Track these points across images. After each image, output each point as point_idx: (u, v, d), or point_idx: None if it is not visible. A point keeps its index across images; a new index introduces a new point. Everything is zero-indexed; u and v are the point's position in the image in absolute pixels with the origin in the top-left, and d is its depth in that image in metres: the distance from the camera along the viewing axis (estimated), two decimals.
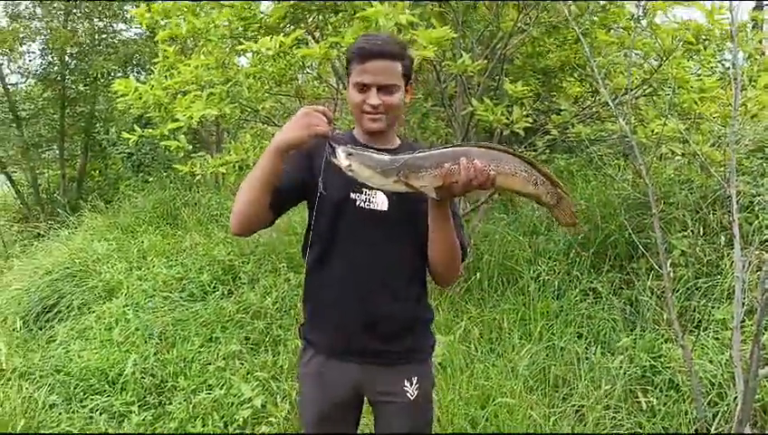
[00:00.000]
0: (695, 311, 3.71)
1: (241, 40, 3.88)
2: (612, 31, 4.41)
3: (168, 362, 3.88)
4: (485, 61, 3.93)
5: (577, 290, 4.11)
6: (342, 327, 1.82)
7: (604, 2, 4.08)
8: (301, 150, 1.70)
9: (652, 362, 3.28)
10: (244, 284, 4.97)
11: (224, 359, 3.88)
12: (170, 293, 4.86)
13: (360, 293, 1.79)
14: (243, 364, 3.82)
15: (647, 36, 4.10)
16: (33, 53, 9.64)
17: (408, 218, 1.74)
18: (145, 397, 3.62)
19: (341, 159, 1.53)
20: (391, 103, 1.72)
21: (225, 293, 4.89)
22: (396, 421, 1.88)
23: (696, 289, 3.83)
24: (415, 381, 1.85)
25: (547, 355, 3.51)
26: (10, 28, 9.12)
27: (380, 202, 1.76)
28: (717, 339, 3.38)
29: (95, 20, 9.26)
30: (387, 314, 1.81)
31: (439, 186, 1.52)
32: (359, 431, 2.05)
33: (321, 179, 1.66)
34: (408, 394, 1.85)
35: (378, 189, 1.64)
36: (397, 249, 1.79)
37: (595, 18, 4.11)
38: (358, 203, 1.77)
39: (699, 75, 3.87)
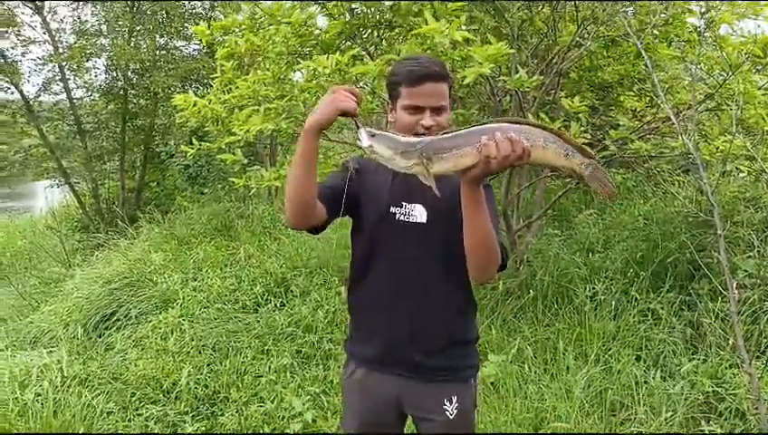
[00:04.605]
0: (761, 335, 3.54)
1: (298, 59, 3.93)
2: (673, 44, 4.29)
3: (220, 373, 3.93)
4: (542, 76, 3.87)
5: (635, 310, 3.98)
6: (384, 340, 1.85)
7: (666, 16, 3.97)
8: (347, 167, 1.78)
9: (715, 389, 3.14)
10: (296, 296, 5.00)
11: (275, 372, 3.91)
12: (224, 304, 4.94)
13: (402, 306, 1.81)
14: (294, 378, 3.84)
15: (710, 50, 3.97)
16: (98, 68, 10.01)
17: (448, 230, 1.71)
18: (198, 407, 3.67)
19: (364, 138, 1.53)
20: (442, 124, 1.72)
21: (278, 305, 4.93)
22: None
23: (763, 312, 3.66)
24: (455, 401, 1.85)
25: (604, 378, 3.40)
26: (77, 45, 9.49)
27: (419, 214, 1.79)
28: None
29: (157, 37, 9.55)
30: (427, 328, 1.82)
31: (473, 164, 1.46)
32: None
33: (353, 160, 1.75)
34: (447, 413, 1.84)
35: (401, 172, 1.57)
36: (437, 262, 1.79)
37: (656, 32, 4.00)
38: (397, 217, 1.80)
39: (767, 90, 3.72)
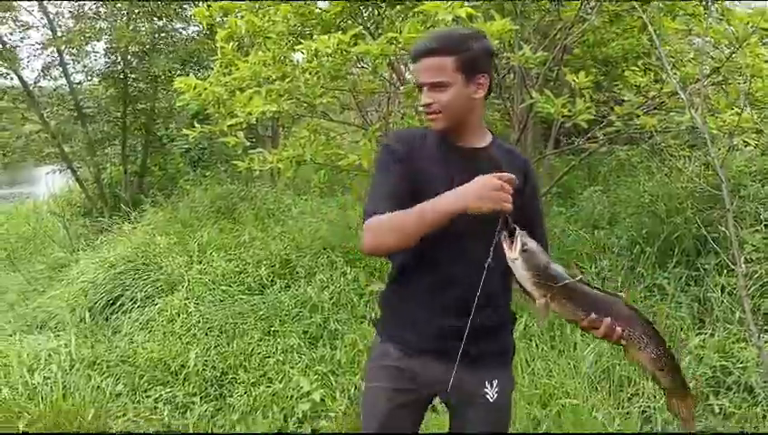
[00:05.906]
0: None
1: (299, 38, 3.90)
2: (678, 18, 4.24)
3: (228, 354, 3.94)
4: (545, 52, 3.83)
5: (642, 286, 3.98)
6: (429, 326, 1.79)
7: None
8: (401, 157, 1.74)
9: (723, 363, 3.14)
10: (301, 277, 4.99)
11: (282, 352, 3.92)
12: (229, 286, 4.94)
13: (451, 293, 1.76)
14: (301, 358, 3.85)
15: (716, 23, 3.92)
16: (98, 52, 9.93)
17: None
18: (206, 389, 3.70)
19: (516, 250, 1.54)
20: (444, 102, 1.67)
21: (283, 286, 4.92)
22: (474, 423, 1.85)
23: None
24: (496, 384, 1.81)
25: (611, 354, 3.40)
26: (76, 28, 9.40)
27: None
28: None
29: (155, 19, 9.46)
30: (475, 315, 1.71)
31: (575, 320, 1.58)
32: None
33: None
34: (489, 396, 1.81)
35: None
36: (488, 251, 1.68)
37: (661, 6, 3.95)
38: None
39: None
